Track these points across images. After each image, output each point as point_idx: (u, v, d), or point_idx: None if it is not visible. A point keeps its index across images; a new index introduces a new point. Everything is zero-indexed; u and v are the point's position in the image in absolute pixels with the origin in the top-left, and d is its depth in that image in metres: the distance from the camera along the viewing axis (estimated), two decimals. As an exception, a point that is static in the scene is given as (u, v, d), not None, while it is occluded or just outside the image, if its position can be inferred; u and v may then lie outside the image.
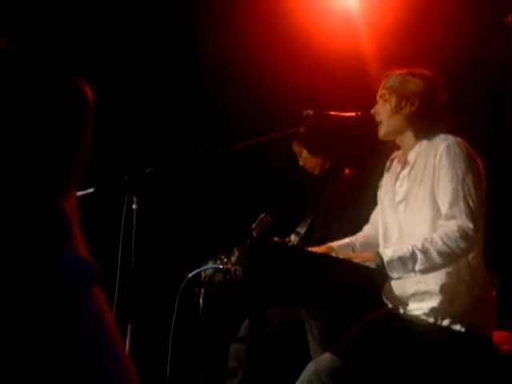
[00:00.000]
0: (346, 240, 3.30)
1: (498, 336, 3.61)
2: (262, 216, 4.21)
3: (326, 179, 4.31)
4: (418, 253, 2.78)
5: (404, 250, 2.79)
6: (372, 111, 3.14)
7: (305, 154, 4.31)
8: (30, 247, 0.78)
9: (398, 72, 3.15)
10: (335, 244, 3.22)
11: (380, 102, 3.14)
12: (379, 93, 3.15)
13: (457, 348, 2.89)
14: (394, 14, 4.71)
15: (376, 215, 3.32)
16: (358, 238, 3.31)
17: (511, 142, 4.21)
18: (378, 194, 3.29)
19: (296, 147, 4.33)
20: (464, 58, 4.58)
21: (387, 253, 2.80)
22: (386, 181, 3.24)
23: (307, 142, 4.23)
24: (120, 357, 0.80)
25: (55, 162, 0.81)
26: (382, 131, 3.12)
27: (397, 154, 3.22)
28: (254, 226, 4.24)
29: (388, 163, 3.27)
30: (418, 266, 2.78)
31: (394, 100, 3.08)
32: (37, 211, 0.80)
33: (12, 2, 4.48)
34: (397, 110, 3.08)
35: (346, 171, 4.29)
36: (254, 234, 4.20)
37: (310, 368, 2.99)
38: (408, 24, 4.69)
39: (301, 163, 4.36)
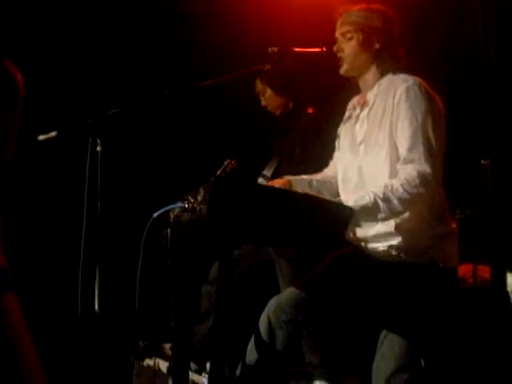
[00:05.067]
0: (304, 176, 3.29)
1: (464, 269, 3.66)
2: (226, 162, 4.17)
3: (288, 119, 4.28)
4: (379, 202, 2.78)
5: (366, 198, 2.79)
6: (335, 48, 3.09)
7: (268, 92, 4.26)
8: None
9: (358, 7, 3.11)
10: (292, 178, 3.21)
11: (342, 39, 3.09)
12: (340, 30, 3.09)
13: (421, 280, 2.93)
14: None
15: (334, 161, 3.31)
16: (315, 176, 3.32)
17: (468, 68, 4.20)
18: (336, 141, 3.27)
19: (259, 86, 4.28)
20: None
21: (349, 203, 2.78)
22: (346, 125, 3.22)
23: (272, 80, 4.18)
24: (28, 369, 0.78)
25: None
26: (346, 66, 3.08)
27: (354, 100, 3.21)
28: (218, 172, 4.19)
29: (347, 113, 3.25)
30: (380, 215, 2.81)
31: (361, 36, 3.04)
32: None
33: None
34: (365, 46, 3.05)
35: (309, 110, 4.26)
36: None
37: (274, 301, 3.01)
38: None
39: (263, 103, 4.31)
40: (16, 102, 0.81)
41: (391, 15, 3.10)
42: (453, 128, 3.07)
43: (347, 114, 3.25)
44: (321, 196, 2.82)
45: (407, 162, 2.86)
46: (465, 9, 4.36)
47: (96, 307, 3.08)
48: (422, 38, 4.26)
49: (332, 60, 3.12)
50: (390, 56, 3.06)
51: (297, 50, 3.24)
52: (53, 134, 3.22)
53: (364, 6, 3.10)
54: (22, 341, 0.79)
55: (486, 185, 2.24)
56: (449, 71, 4.31)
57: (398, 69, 3.05)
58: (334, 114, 3.50)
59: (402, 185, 2.80)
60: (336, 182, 3.22)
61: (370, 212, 2.79)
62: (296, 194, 2.79)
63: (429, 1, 4.58)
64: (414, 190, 2.80)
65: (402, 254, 2.92)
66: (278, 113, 4.30)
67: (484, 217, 2.24)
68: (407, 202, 2.82)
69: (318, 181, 3.27)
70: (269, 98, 4.28)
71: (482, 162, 2.21)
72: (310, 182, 3.24)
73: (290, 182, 3.16)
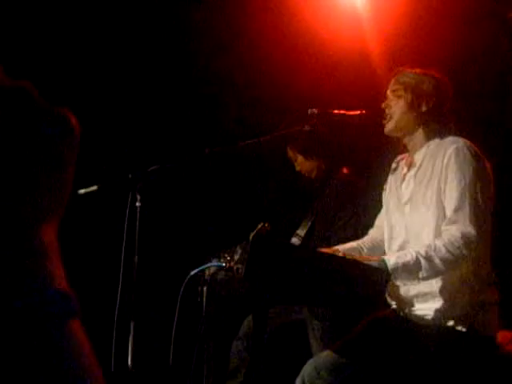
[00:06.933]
0: (353, 244, 3.26)
1: (503, 336, 3.60)
2: (260, 225, 4.17)
3: (323, 180, 4.29)
4: (422, 260, 2.75)
5: (408, 256, 2.77)
6: (383, 105, 3.09)
7: (299, 158, 4.29)
8: (3, 280, 0.75)
9: (411, 70, 3.13)
10: (342, 247, 3.19)
11: (391, 96, 3.09)
12: (391, 88, 3.11)
13: (460, 348, 2.88)
14: (401, 13, 4.69)
15: (381, 218, 3.29)
16: (364, 242, 3.27)
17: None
18: (383, 197, 3.26)
19: (290, 153, 4.32)
20: (467, 58, 4.56)
21: (391, 260, 2.76)
22: (391, 183, 3.21)
23: (300, 147, 4.22)
24: None
25: (35, 190, 0.79)
26: (391, 125, 3.07)
27: (402, 156, 3.20)
28: (251, 235, 4.19)
29: (393, 165, 3.24)
30: (421, 274, 2.77)
31: (410, 96, 3.05)
32: (12, 241, 0.77)
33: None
34: (413, 106, 3.04)
35: (344, 170, 4.27)
36: None
37: (310, 364, 2.97)
38: (414, 24, 4.67)
39: (297, 168, 4.34)
40: (73, 146, 0.85)
41: (444, 81, 3.11)
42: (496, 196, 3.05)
43: (393, 165, 3.23)
44: (359, 258, 2.80)
45: (452, 222, 2.84)
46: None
47: (129, 362, 3.08)
48: (469, 110, 4.27)
49: (370, 123, 3.14)
50: (436, 120, 3.05)
51: (336, 112, 3.25)
52: (93, 188, 3.27)
53: (419, 70, 3.12)
54: (92, 368, 0.80)
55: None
56: (495, 142, 4.31)
57: (446, 132, 3.04)
58: (372, 175, 3.50)
59: (444, 245, 2.78)
60: (384, 243, 3.21)
61: (412, 270, 2.76)
62: (333, 256, 2.79)
63: (475, 75, 4.59)
64: (457, 252, 2.78)
65: (441, 319, 2.88)
66: (312, 175, 4.32)
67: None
68: (449, 263, 2.79)
69: (368, 248, 3.22)
70: (301, 163, 4.31)
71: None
72: (360, 251, 3.21)
73: (339, 252, 3.13)
